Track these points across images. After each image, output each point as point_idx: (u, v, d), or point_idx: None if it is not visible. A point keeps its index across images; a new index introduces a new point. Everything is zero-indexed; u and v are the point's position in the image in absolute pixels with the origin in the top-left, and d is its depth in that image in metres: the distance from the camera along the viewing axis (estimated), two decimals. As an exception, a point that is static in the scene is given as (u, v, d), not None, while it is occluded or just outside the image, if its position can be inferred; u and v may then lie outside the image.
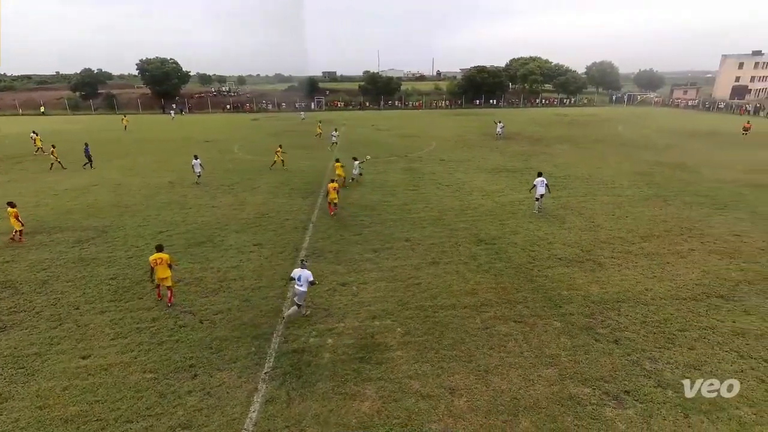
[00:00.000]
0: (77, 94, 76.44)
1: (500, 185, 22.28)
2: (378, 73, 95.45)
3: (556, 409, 7.55)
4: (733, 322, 10.05)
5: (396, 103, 77.92)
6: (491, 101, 77.87)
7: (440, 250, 14.14)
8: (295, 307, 10.14)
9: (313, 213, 18.10)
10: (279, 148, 27.36)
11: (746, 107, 64.92)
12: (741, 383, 8.05)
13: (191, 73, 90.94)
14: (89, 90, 76.80)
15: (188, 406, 7.69)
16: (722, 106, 71.13)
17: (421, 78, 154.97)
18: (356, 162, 22.77)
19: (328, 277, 12.30)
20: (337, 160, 22.54)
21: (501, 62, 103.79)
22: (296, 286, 9.97)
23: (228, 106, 75.42)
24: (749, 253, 13.83)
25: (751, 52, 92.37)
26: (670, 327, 9.86)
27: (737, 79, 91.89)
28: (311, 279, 9.85)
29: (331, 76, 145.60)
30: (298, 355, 9.04)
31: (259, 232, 15.88)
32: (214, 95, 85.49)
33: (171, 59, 78.67)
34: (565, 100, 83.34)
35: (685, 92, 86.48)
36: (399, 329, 9.89)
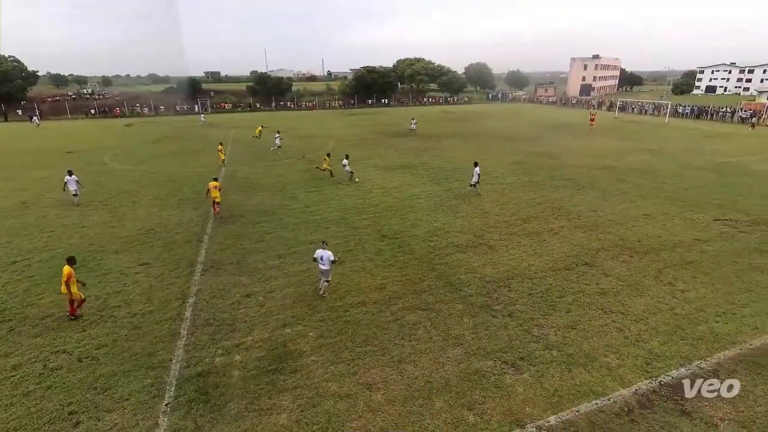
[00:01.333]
0: None
1: (398, 181, 23.14)
2: (267, 73, 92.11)
3: (465, 385, 8.13)
4: (597, 284, 11.86)
5: (288, 103, 76.06)
6: (383, 101, 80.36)
7: (346, 249, 14.22)
8: (325, 283, 11.07)
9: (207, 224, 16.82)
10: (220, 146, 28.12)
11: (591, 102, 76.74)
12: (607, 335, 9.54)
13: (39, 73, 77.80)
14: None
15: (71, 460, 6.60)
16: (575, 101, 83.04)
17: (312, 78, 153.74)
18: (345, 161, 23.30)
19: (231, 290, 11.57)
20: (328, 155, 24.46)
21: (389, 63, 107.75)
22: (320, 266, 10.89)
23: (93, 111, 66.07)
24: (603, 225, 16.42)
25: (592, 56, 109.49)
26: (551, 295, 11.27)
27: (584, 78, 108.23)
28: (333, 258, 10.76)
29: (214, 77, 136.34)
30: (203, 378, 8.35)
31: (145, 250, 14.27)
32: (73, 98, 74.28)
33: (10, 57, 66.33)
34: (449, 99, 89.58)
35: (546, 90, 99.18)
36: (311, 334, 9.72)
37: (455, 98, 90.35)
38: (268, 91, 75.49)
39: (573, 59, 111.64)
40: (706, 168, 26.23)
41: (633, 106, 66.90)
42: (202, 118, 56.00)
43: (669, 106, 57.84)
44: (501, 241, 14.84)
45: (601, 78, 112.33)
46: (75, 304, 10.33)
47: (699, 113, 57.63)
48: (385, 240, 15.02)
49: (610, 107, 68.57)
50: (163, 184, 22.88)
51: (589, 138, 38.60)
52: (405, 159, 29.21)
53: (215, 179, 18.33)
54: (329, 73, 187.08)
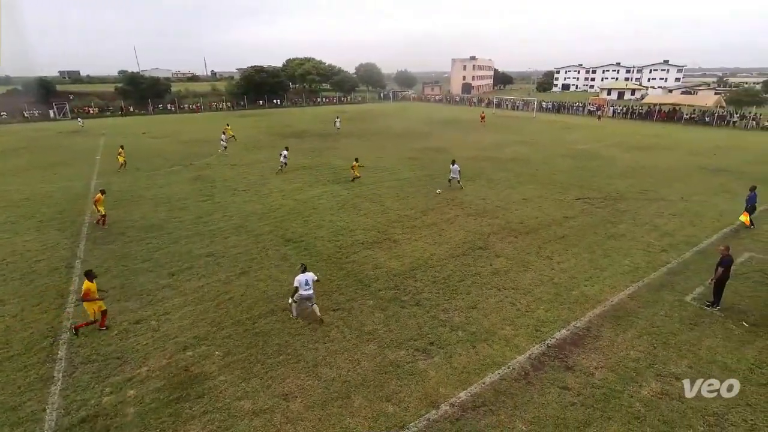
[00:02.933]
0: None
1: (297, 183, 22.66)
2: (139, 72, 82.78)
3: (382, 378, 8.33)
4: (491, 265, 13.03)
5: (169, 106, 69.37)
6: (275, 101, 77.79)
7: (249, 258, 13.51)
8: (314, 306, 10.01)
9: (78, 246, 14.60)
10: (121, 149, 26.75)
11: (473, 100, 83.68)
12: (502, 310, 10.55)
13: None
14: None
15: None
16: (458, 99, 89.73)
17: (195, 78, 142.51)
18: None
19: (115, 319, 10.23)
20: (356, 160, 23.53)
21: (278, 62, 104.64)
22: (302, 292, 9.85)
23: None
24: (492, 211, 18.08)
25: (469, 57, 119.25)
26: (453, 280, 12.08)
27: (464, 78, 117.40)
28: (316, 278, 10.11)
29: (73, 77, 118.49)
30: (89, 423, 7.26)
31: (-4, 286, 11.88)
32: None
33: None
34: (342, 98, 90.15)
35: (433, 89, 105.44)
36: (217, 352, 9.07)
37: (348, 98, 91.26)
38: (143, 93, 67.86)
39: (454, 60, 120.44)
40: (567, 155, 30.38)
41: (507, 103, 74.60)
42: (80, 122, 50.14)
43: (535, 103, 65.90)
44: (404, 235, 15.44)
45: (478, 77, 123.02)
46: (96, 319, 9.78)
47: (558, 108, 66.64)
48: (289, 244, 14.62)
49: (489, 104, 75.50)
50: (15, 205, 19.25)
51: (473, 133, 42.03)
52: (304, 160, 28.70)
53: (102, 191, 16.78)
54: (213, 73, 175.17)
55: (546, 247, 14.33)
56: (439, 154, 30.53)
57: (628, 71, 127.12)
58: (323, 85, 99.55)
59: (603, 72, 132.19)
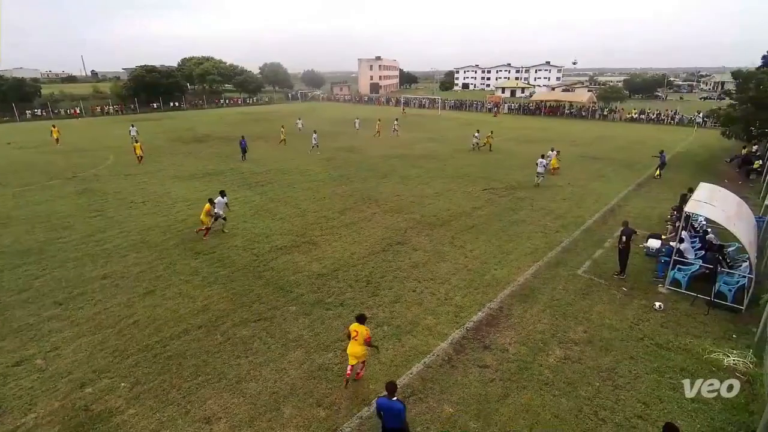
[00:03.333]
0: None
1: (204, 191, 21.18)
2: (-3, 72, 70.61)
3: (311, 384, 8.17)
4: (410, 259, 13.47)
5: (40, 111, 60.25)
6: (172, 104, 71.71)
7: (154, 276, 12.33)
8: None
9: (-73, 282, 12.05)
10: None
11: (381, 99, 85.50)
12: (424, 301, 10.98)
13: None
14: None
15: None
16: (366, 99, 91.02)
17: (71, 79, 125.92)
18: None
19: (-12, 363, 8.65)
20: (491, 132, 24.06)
21: (172, 62, 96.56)
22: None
23: None
24: (407, 206, 18.68)
25: (375, 57, 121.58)
26: (375, 277, 12.26)
27: (371, 77, 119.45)
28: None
29: None
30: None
31: None
32: None
33: None
34: (248, 100, 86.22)
35: (341, 89, 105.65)
36: (123, 384, 8.14)
37: (254, 99, 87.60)
38: (4, 96, 58.00)
39: (360, 60, 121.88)
40: (460, 150, 32.52)
41: (414, 102, 77.59)
42: None
43: (439, 101, 69.59)
44: (323, 236, 15.28)
45: (385, 77, 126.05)
46: None
47: (460, 105, 71.12)
48: (200, 257, 13.63)
49: (397, 103, 77.74)
50: None
51: (384, 131, 42.97)
52: (210, 166, 26.92)
53: None
54: (94, 73, 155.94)
55: (459, 237, 15.20)
56: (352, 154, 30.72)
57: (517, 71, 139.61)
58: (225, 85, 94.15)
59: (497, 72, 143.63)
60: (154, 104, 69.28)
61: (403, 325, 9.97)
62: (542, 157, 22.73)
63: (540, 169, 22.11)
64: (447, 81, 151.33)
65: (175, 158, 29.63)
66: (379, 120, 42.44)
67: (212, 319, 10.21)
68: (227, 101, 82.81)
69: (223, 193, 15.88)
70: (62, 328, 9.90)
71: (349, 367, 7.95)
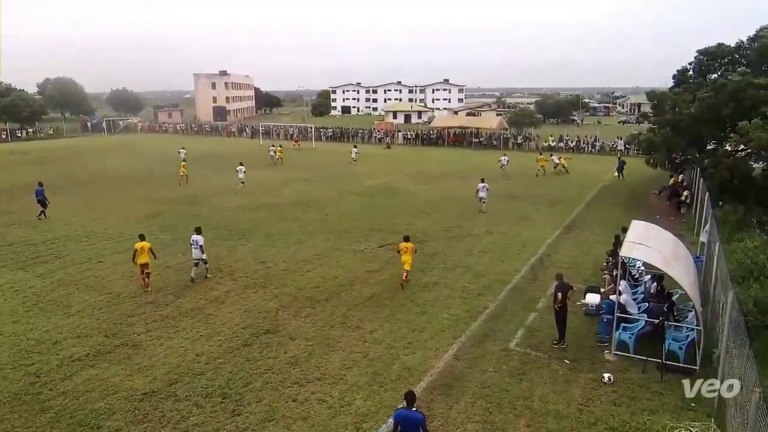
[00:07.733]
0: None
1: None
2: None
3: None
4: (285, 352, 13.01)
5: None
6: None
7: None
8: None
9: None
10: None
11: (231, 129, 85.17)
12: (310, 414, 10.56)
13: None
14: None
15: None
16: (209, 128, 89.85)
17: None
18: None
19: None
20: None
21: None
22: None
23: None
24: (277, 277, 18.32)
25: (219, 72, 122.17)
26: (235, 387, 11.50)
27: (215, 99, 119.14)
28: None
29: None
30: None
31: None
32: None
33: None
34: (19, 132, 78.98)
35: (170, 115, 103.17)
36: None
37: (32, 131, 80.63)
38: None
39: (197, 75, 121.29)
40: (360, 192, 33.75)
41: (278, 131, 78.75)
42: None
43: (312, 130, 71.66)
44: (149, 333, 14.08)
45: (235, 99, 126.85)
46: None
47: (341, 135, 74.25)
48: (-70, 389, 11.40)
49: (254, 134, 77.97)
50: None
51: (230, 171, 42.48)
52: (-49, 237, 23.42)
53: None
54: None
55: (352, 315, 15.25)
56: (193, 207, 29.59)
57: (411, 91, 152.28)
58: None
59: (385, 92, 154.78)
60: None
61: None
62: (482, 181, 27.36)
63: (483, 194, 26.63)
64: (321, 103, 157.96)
65: None
66: (184, 162, 40.72)
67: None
68: (-17, 135, 74.54)
69: None
70: None
71: None
